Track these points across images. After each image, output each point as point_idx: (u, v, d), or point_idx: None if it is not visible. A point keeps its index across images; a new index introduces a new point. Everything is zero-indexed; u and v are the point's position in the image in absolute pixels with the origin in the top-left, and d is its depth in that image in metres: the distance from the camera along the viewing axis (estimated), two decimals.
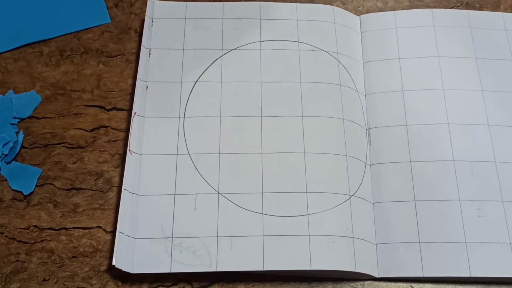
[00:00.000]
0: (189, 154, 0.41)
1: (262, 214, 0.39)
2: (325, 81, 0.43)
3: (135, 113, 0.42)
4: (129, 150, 0.40)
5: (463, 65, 0.44)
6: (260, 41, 0.45)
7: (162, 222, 0.39)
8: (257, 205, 0.39)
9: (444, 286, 0.39)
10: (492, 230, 0.38)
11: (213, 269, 0.37)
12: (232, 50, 0.45)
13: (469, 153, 0.41)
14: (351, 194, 0.40)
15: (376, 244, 0.39)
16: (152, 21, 0.46)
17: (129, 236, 0.38)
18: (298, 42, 0.45)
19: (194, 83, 0.44)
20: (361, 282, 0.39)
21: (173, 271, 0.37)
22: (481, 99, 0.43)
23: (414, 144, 0.41)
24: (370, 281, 0.39)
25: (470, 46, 0.45)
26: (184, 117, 0.42)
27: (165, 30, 0.45)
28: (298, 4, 0.47)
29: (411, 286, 0.39)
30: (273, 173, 0.40)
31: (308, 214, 0.39)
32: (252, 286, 0.39)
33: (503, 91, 0.44)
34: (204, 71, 0.44)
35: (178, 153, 0.41)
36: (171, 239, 0.38)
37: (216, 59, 0.45)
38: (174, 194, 0.39)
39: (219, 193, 0.39)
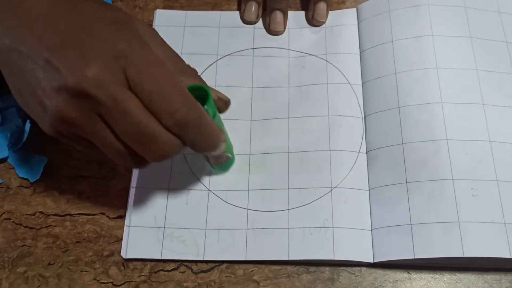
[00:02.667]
0: (183, 153, 0.42)
1: (247, 209, 0.40)
2: (311, 83, 0.44)
3: None
4: None
5: (457, 44, 0.43)
6: (253, 48, 0.47)
7: (155, 213, 0.40)
8: (243, 201, 0.41)
9: (441, 272, 0.38)
10: (485, 210, 0.37)
11: (200, 257, 0.39)
12: (226, 56, 0.46)
13: (463, 132, 0.39)
14: (333, 186, 0.40)
15: (371, 230, 0.40)
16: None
17: (127, 225, 0.40)
18: (289, 49, 0.46)
19: None
20: (358, 268, 0.39)
21: (163, 257, 0.39)
22: (475, 78, 0.42)
23: (406, 126, 0.40)
24: (367, 268, 0.39)
25: (465, 26, 0.44)
26: None
27: (166, 37, 0.47)
28: (289, 12, 0.48)
29: (408, 273, 0.39)
30: (258, 172, 0.42)
31: (288, 209, 0.40)
32: (251, 271, 0.39)
33: (497, 71, 0.42)
34: (200, 75, 0.45)
35: None
36: (163, 228, 0.40)
37: (211, 64, 0.46)
38: (168, 188, 0.41)
39: (209, 190, 0.41)
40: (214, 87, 0.44)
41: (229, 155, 0.40)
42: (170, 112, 0.30)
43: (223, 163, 0.40)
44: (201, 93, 0.33)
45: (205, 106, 0.33)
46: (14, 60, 0.32)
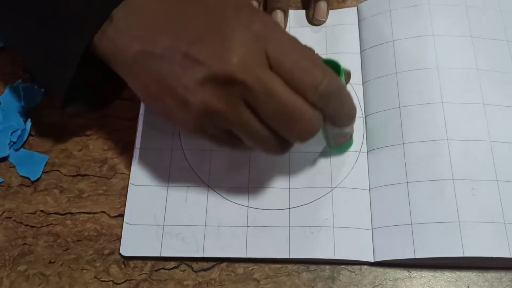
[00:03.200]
0: (183, 150, 0.42)
1: (247, 207, 0.40)
2: None
3: (142, 114, 0.43)
4: (136, 147, 0.42)
5: (458, 43, 0.43)
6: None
7: (155, 210, 0.40)
8: (243, 198, 0.40)
9: (442, 271, 0.38)
10: (486, 210, 0.37)
11: (199, 254, 0.39)
12: None
13: (463, 132, 0.39)
14: (334, 186, 0.40)
15: (372, 229, 0.40)
16: None
17: (127, 223, 0.40)
18: None
19: None
20: (359, 267, 0.39)
21: (163, 255, 0.39)
22: (476, 78, 0.41)
23: (406, 125, 0.40)
24: (367, 266, 0.38)
25: (465, 25, 0.44)
26: None
27: None
28: (290, 11, 0.48)
29: (408, 271, 0.39)
30: (259, 170, 0.41)
31: (289, 208, 0.40)
32: (251, 270, 0.39)
33: (498, 71, 0.42)
34: None
35: (173, 148, 0.42)
36: (162, 226, 0.40)
37: None
38: (168, 186, 0.41)
39: (209, 187, 0.41)
40: None
41: (352, 134, 0.39)
42: (314, 85, 0.31)
43: (344, 144, 0.40)
44: (332, 67, 0.33)
45: (341, 77, 0.33)
46: (146, 65, 0.32)
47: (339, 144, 0.40)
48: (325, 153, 0.42)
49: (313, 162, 0.41)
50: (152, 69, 0.32)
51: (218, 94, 0.30)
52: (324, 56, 0.44)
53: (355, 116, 0.35)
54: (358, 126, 0.42)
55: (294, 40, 0.32)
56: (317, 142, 0.41)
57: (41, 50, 0.36)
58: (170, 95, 0.32)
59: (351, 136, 0.40)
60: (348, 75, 0.36)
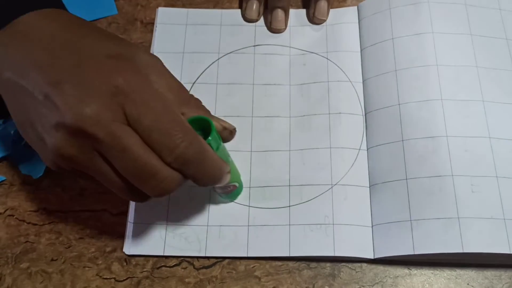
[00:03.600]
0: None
1: (249, 206, 0.41)
2: (312, 81, 0.44)
3: None
4: None
5: (458, 41, 0.43)
6: (254, 46, 0.47)
7: (158, 210, 0.41)
8: (244, 198, 0.41)
9: (442, 268, 0.38)
10: (485, 206, 0.37)
11: (202, 254, 0.39)
12: (227, 53, 0.46)
13: (463, 129, 0.39)
14: (334, 183, 0.40)
15: (372, 226, 0.40)
16: (156, 26, 0.47)
17: (130, 222, 0.40)
18: (290, 47, 0.46)
19: (192, 84, 0.45)
20: (359, 264, 0.39)
21: (166, 254, 0.39)
22: (475, 75, 0.42)
23: (406, 123, 0.40)
24: (367, 264, 0.39)
25: (465, 23, 0.44)
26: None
27: (168, 35, 0.47)
28: (291, 10, 0.48)
29: (408, 269, 0.39)
30: (260, 169, 0.42)
31: (289, 206, 0.40)
32: (252, 267, 0.40)
33: (498, 68, 0.42)
34: (202, 73, 0.45)
35: None
36: (165, 225, 0.40)
37: (213, 62, 0.46)
38: None
39: None
40: (216, 85, 0.45)
41: (236, 184, 0.39)
42: (170, 147, 0.30)
43: (230, 193, 0.40)
44: (205, 124, 0.33)
45: (209, 138, 0.32)
46: (16, 94, 0.32)
47: (224, 193, 0.40)
48: (325, 149, 0.42)
49: (313, 159, 0.42)
50: (19, 99, 0.32)
51: (71, 141, 0.30)
52: (324, 55, 0.45)
53: (221, 177, 0.34)
54: (358, 124, 0.43)
55: (159, 97, 0.31)
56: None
57: None
58: (32, 129, 0.31)
59: (235, 186, 0.39)
60: (230, 132, 0.36)
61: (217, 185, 0.34)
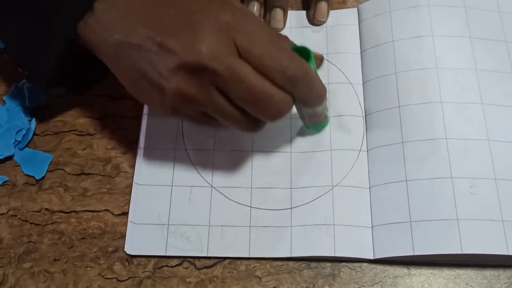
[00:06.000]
0: (186, 149, 0.43)
1: (250, 207, 0.41)
2: None
3: (145, 114, 0.44)
4: (140, 147, 0.43)
5: (457, 43, 0.43)
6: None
7: (160, 210, 0.41)
8: (246, 198, 0.41)
9: (441, 268, 0.38)
10: (484, 207, 0.37)
11: (204, 254, 0.39)
12: None
13: (462, 131, 0.40)
14: (334, 184, 0.41)
15: (372, 227, 0.40)
16: None
17: (132, 222, 0.40)
18: None
19: None
20: (359, 264, 0.39)
21: (168, 254, 0.39)
22: (475, 78, 0.42)
23: (406, 125, 0.41)
24: (367, 264, 0.39)
25: (464, 25, 0.44)
26: None
27: None
28: (291, 11, 0.48)
29: (408, 269, 0.39)
30: (261, 170, 0.42)
31: (291, 208, 0.40)
32: (253, 267, 0.40)
33: (497, 71, 0.42)
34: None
35: (176, 148, 0.43)
36: (167, 225, 0.40)
37: None
38: (172, 186, 0.41)
39: (212, 187, 0.41)
40: None
41: (326, 113, 0.41)
42: (282, 70, 0.33)
43: (319, 123, 0.41)
44: (302, 53, 0.35)
45: (310, 62, 0.35)
46: (126, 54, 0.34)
47: (314, 123, 0.41)
48: (325, 151, 0.42)
49: (314, 161, 0.42)
50: (131, 58, 0.34)
51: (190, 81, 0.33)
52: (325, 56, 0.45)
53: (324, 96, 0.37)
54: (358, 125, 0.43)
55: (263, 28, 0.34)
56: (295, 122, 0.43)
57: (25, 36, 0.38)
58: (148, 82, 0.34)
59: (325, 116, 0.41)
60: (320, 59, 0.39)
61: (317, 109, 0.37)
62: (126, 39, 0.34)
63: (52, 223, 0.41)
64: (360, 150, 0.42)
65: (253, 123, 0.35)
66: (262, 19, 0.48)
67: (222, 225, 0.40)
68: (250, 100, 0.33)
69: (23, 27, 0.38)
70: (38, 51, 0.38)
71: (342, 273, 0.39)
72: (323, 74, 0.45)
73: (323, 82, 0.44)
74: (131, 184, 0.42)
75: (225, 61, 0.32)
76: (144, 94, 0.35)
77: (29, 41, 0.38)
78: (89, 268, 0.40)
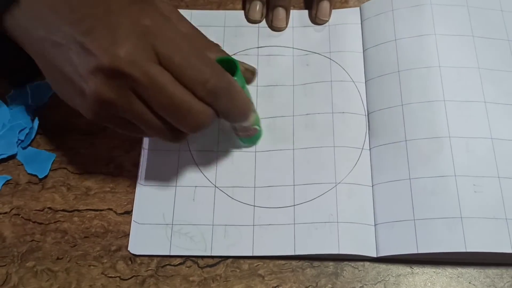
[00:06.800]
0: (190, 150, 0.43)
1: (254, 206, 0.41)
2: (315, 81, 0.45)
3: None
4: (143, 148, 0.43)
5: (460, 42, 0.43)
6: (257, 47, 0.47)
7: (163, 210, 0.41)
8: (249, 198, 0.41)
9: (444, 267, 0.38)
10: (487, 206, 0.37)
11: (207, 253, 0.39)
12: (231, 55, 0.46)
13: (465, 130, 0.40)
14: (337, 182, 0.41)
15: (375, 225, 0.40)
16: None
17: (136, 222, 0.41)
18: (293, 48, 0.47)
19: None
20: (362, 263, 0.39)
21: (172, 254, 0.39)
22: (477, 76, 0.42)
23: (409, 123, 0.41)
24: (370, 262, 0.39)
25: (467, 24, 0.44)
26: None
27: None
28: (293, 11, 0.48)
29: (411, 267, 0.39)
30: (264, 169, 0.42)
31: (294, 205, 0.40)
32: (256, 266, 0.40)
33: (500, 69, 0.42)
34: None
35: (180, 149, 0.43)
36: (171, 225, 0.40)
37: None
38: (175, 186, 0.42)
39: (215, 186, 0.41)
40: None
41: (257, 127, 0.40)
42: (202, 81, 0.32)
43: (251, 136, 0.41)
44: (229, 65, 0.34)
45: (235, 76, 0.34)
46: (48, 51, 0.33)
47: (246, 136, 0.41)
48: (328, 148, 0.42)
49: (317, 158, 0.42)
50: (53, 56, 0.33)
51: (109, 84, 0.31)
52: (327, 55, 0.46)
53: (248, 114, 0.36)
54: (361, 123, 0.43)
55: (185, 36, 0.33)
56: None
57: None
58: (70, 82, 0.33)
59: (256, 130, 0.41)
60: (252, 73, 0.37)
61: (243, 124, 0.36)
62: (49, 35, 0.32)
63: (55, 222, 0.41)
64: (362, 148, 0.42)
65: (175, 133, 0.34)
66: (264, 19, 0.48)
67: (226, 225, 0.40)
68: (168, 110, 0.32)
69: None
70: None
71: (345, 272, 0.39)
72: (326, 72, 0.45)
73: (326, 80, 0.44)
74: (134, 183, 0.42)
75: (143, 66, 0.31)
76: (68, 95, 0.34)
77: None
78: (92, 267, 0.40)
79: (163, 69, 0.31)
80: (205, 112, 0.33)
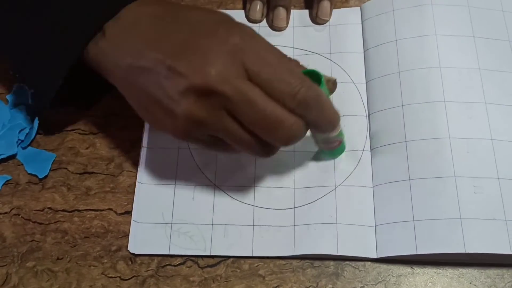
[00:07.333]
0: (189, 149, 0.43)
1: (254, 206, 0.41)
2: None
3: None
4: (143, 146, 0.43)
5: (460, 43, 0.43)
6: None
7: (163, 209, 0.41)
8: (250, 198, 0.41)
9: (444, 267, 0.38)
10: (487, 207, 0.37)
11: (207, 253, 0.39)
12: None
13: (466, 131, 0.40)
14: (338, 184, 0.41)
15: (375, 226, 0.40)
16: None
17: (135, 221, 0.41)
18: (293, 48, 0.47)
19: None
20: (362, 263, 0.39)
21: (171, 253, 0.39)
22: (478, 77, 0.42)
23: (409, 124, 0.41)
24: (371, 262, 0.39)
25: (468, 25, 0.44)
26: None
27: None
28: (294, 11, 0.48)
29: (411, 268, 0.39)
30: (265, 170, 0.42)
31: (294, 207, 0.40)
32: (256, 266, 0.40)
33: (500, 70, 0.42)
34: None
35: (180, 147, 0.43)
36: (170, 224, 0.40)
37: None
38: (175, 185, 0.42)
39: (215, 186, 0.41)
40: None
41: (341, 139, 0.40)
42: (292, 93, 0.32)
43: (335, 149, 0.41)
44: (313, 77, 0.34)
45: (321, 86, 0.34)
46: (136, 78, 0.34)
47: (329, 149, 0.41)
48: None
49: (317, 161, 0.42)
50: (141, 82, 0.34)
51: (200, 104, 0.32)
52: (328, 56, 0.46)
53: (337, 123, 0.36)
54: (361, 125, 0.43)
55: (272, 51, 0.34)
56: (311, 145, 0.42)
57: (31, 55, 0.38)
58: (158, 106, 0.33)
59: (340, 142, 0.41)
60: (333, 83, 0.37)
61: (330, 134, 0.37)
62: (137, 63, 0.33)
63: (55, 222, 0.41)
64: (363, 150, 0.42)
65: (266, 147, 0.35)
66: (265, 19, 0.48)
67: (226, 224, 0.40)
68: (260, 124, 0.33)
69: (29, 44, 0.38)
70: (44, 70, 0.38)
71: (345, 272, 0.39)
72: (326, 73, 0.44)
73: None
74: (134, 183, 0.42)
75: (234, 83, 0.31)
76: (156, 119, 0.35)
77: (35, 60, 0.38)
78: (92, 267, 0.40)
79: (254, 85, 0.32)
80: (297, 124, 0.33)
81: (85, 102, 0.44)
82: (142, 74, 0.33)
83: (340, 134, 0.39)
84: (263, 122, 0.32)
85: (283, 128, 0.33)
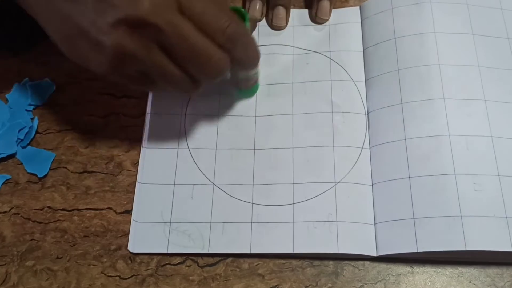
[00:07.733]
0: (188, 148, 0.43)
1: (252, 203, 0.41)
2: (315, 80, 0.45)
3: (148, 113, 0.44)
4: (143, 146, 0.43)
5: (460, 40, 0.43)
6: (258, 46, 0.47)
7: (162, 208, 0.41)
8: (248, 195, 0.41)
9: (444, 266, 0.38)
10: (487, 204, 0.37)
11: (205, 251, 0.39)
12: None
13: (465, 128, 0.40)
14: (337, 181, 0.41)
15: (375, 224, 0.40)
16: None
17: (135, 221, 0.41)
18: (293, 47, 0.47)
19: None
20: (362, 262, 0.39)
21: (169, 251, 0.39)
22: (477, 74, 0.42)
23: (408, 121, 0.41)
24: (370, 262, 0.39)
25: (467, 22, 0.44)
26: (185, 115, 0.44)
27: None
28: (293, 10, 0.48)
29: (411, 267, 0.39)
30: (263, 167, 0.42)
31: (293, 204, 0.40)
32: (256, 265, 0.40)
33: (499, 68, 0.42)
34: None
35: (179, 147, 0.43)
36: (169, 223, 0.40)
37: None
38: (174, 184, 0.42)
39: (214, 184, 0.41)
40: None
41: (257, 78, 0.43)
42: (222, 29, 0.33)
43: (251, 87, 0.43)
44: (239, 15, 0.36)
45: (246, 24, 0.36)
46: (59, 7, 0.32)
47: (247, 87, 0.43)
48: (328, 147, 0.42)
49: (316, 157, 0.42)
50: (65, 12, 0.33)
51: (132, 36, 0.32)
52: (327, 54, 0.46)
53: (258, 60, 0.38)
54: (361, 123, 0.43)
55: None
56: (226, 85, 0.43)
57: None
58: (85, 38, 0.32)
59: (256, 80, 0.43)
60: (254, 22, 0.39)
61: (251, 71, 0.39)
62: None
63: (54, 221, 0.41)
64: (362, 147, 0.42)
65: (193, 83, 0.35)
66: (264, 18, 0.48)
67: (224, 222, 0.40)
68: (191, 58, 0.33)
69: None
70: None
71: (345, 271, 0.39)
72: (326, 71, 0.45)
73: (326, 79, 0.45)
74: (134, 182, 0.42)
75: (167, 16, 0.31)
76: (80, 52, 0.33)
77: None
78: (91, 266, 0.40)
79: (185, 19, 0.32)
80: (224, 59, 0.34)
81: (18, 44, 0.43)
82: (67, 3, 0.32)
83: (258, 73, 0.41)
84: (194, 56, 0.33)
85: (211, 62, 0.33)
